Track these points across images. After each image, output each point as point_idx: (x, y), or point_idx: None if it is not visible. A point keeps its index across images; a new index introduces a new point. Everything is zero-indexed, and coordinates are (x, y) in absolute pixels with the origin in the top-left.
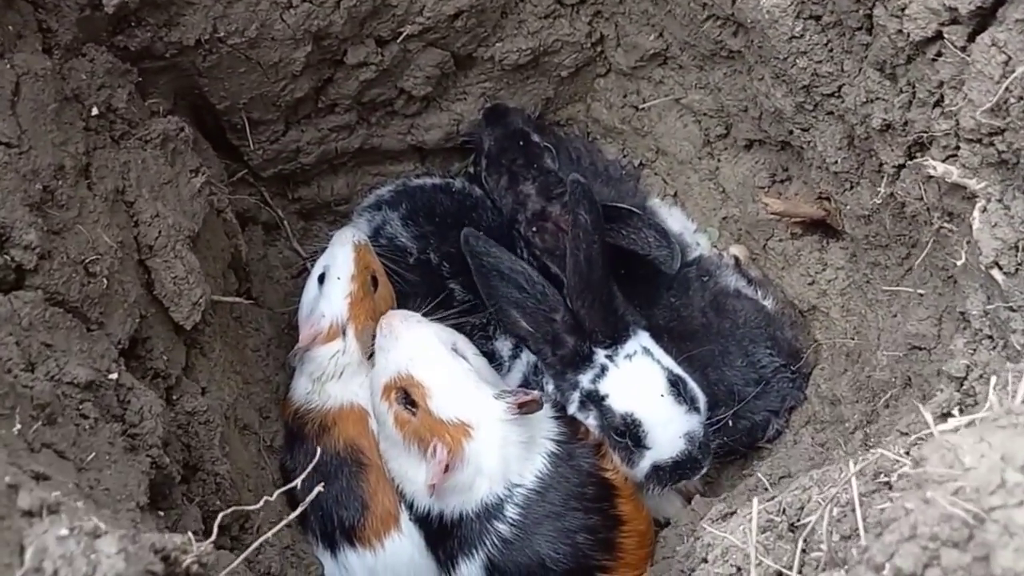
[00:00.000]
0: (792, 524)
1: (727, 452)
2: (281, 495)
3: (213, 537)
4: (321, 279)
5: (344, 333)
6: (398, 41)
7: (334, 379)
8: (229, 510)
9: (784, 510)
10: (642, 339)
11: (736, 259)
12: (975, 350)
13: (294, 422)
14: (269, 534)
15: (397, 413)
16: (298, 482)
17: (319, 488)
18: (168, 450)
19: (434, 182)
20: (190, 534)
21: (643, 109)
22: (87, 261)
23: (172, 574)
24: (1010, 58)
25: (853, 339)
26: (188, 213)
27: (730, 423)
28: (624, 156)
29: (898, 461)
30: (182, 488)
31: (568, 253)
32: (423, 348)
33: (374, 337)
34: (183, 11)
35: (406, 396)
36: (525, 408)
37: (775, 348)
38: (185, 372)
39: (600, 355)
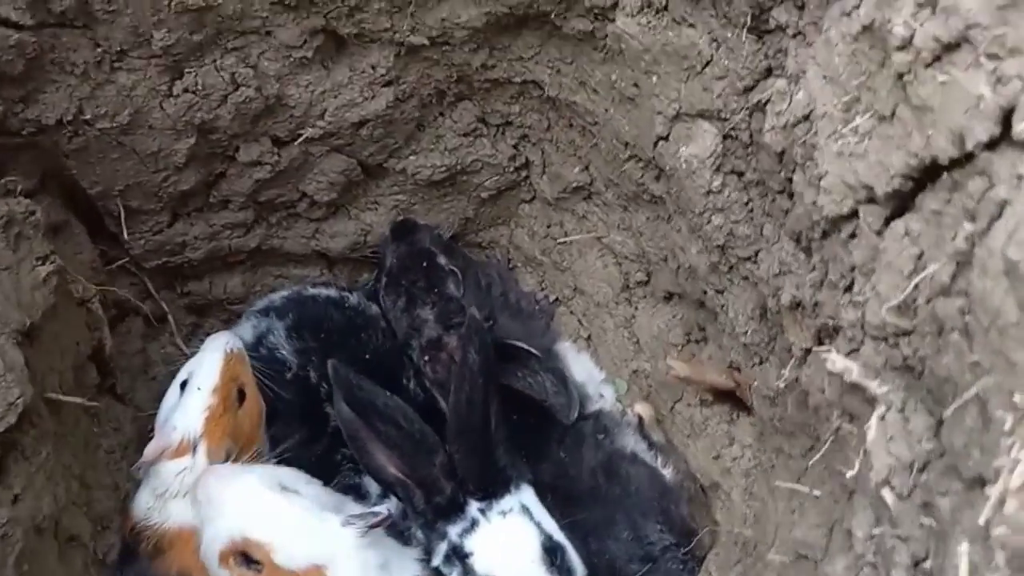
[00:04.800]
0: None
1: None
2: None
3: None
4: (184, 386)
5: (195, 450)
6: (296, 143)
7: (178, 498)
8: None
9: None
10: (524, 495)
11: (640, 419)
12: None
13: (131, 537)
14: None
15: None
16: None
17: None
18: None
19: (328, 294)
20: None
21: (563, 243)
22: None
23: None
24: (923, 252)
25: (750, 529)
26: (24, 305)
27: None
28: (543, 289)
29: None
30: None
31: (452, 392)
32: (250, 503)
33: (227, 456)
34: (43, 88)
35: (247, 559)
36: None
37: (667, 524)
38: None
39: (473, 507)
